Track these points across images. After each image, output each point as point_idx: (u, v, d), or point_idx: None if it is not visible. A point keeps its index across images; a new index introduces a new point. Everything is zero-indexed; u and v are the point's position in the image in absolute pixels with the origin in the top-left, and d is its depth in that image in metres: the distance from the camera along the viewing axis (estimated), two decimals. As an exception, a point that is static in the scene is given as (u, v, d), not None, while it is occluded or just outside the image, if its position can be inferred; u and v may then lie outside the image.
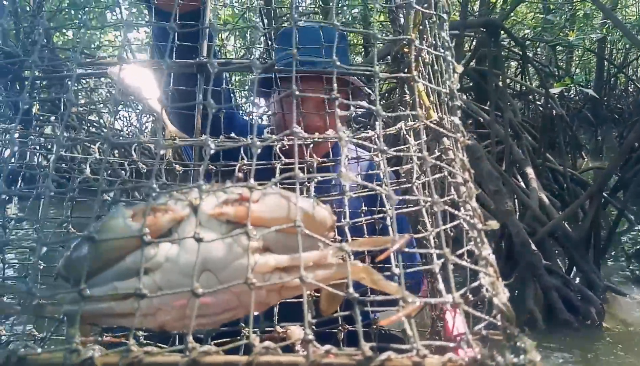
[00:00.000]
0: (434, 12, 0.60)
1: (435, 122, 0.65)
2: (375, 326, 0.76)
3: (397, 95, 1.05)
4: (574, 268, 3.96)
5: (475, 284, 0.47)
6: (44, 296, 0.42)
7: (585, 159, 7.75)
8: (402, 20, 0.91)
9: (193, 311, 0.43)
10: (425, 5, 0.61)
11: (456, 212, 0.48)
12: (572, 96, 9.36)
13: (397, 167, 0.75)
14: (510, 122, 5.10)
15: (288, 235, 0.46)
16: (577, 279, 3.82)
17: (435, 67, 0.71)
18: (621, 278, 4.27)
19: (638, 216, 5.73)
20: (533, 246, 3.61)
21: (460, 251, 0.50)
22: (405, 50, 0.87)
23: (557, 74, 7.27)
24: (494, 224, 0.47)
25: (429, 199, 0.46)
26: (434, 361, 0.40)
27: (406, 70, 0.82)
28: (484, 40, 5.03)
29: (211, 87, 0.85)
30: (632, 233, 5.38)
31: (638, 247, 4.86)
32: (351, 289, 0.41)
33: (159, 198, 0.46)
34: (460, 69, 0.55)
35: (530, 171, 4.73)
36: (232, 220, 0.45)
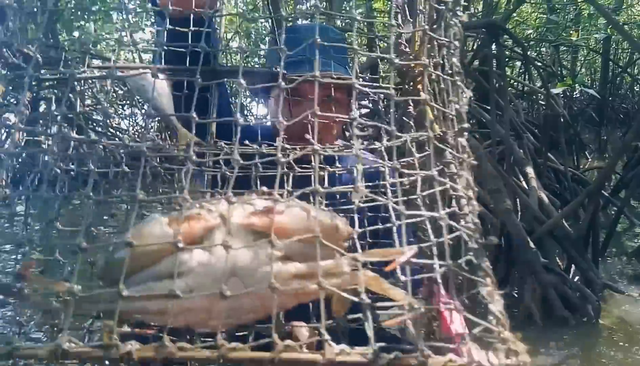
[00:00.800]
0: (449, 40, 0.64)
1: (439, 135, 0.70)
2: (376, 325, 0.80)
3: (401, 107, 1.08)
4: (573, 266, 4.02)
5: (474, 291, 0.52)
6: (83, 295, 0.47)
7: (589, 159, 7.78)
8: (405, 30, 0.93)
9: (220, 313, 0.48)
10: (439, 32, 0.65)
11: (457, 225, 0.53)
12: (577, 95, 9.34)
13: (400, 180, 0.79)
14: (512, 122, 5.16)
15: (307, 245, 0.51)
16: (576, 278, 3.88)
17: (442, 85, 0.75)
18: (621, 276, 4.33)
19: (639, 215, 5.79)
20: (531, 244, 3.66)
21: (460, 260, 0.54)
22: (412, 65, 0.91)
23: (560, 73, 7.30)
24: (494, 240, 0.51)
25: (436, 214, 0.51)
26: (437, 361, 0.45)
27: (411, 82, 0.86)
28: (486, 41, 5.07)
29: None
30: (632, 231, 5.42)
31: (637, 245, 4.90)
32: (363, 296, 0.46)
33: (192, 208, 0.50)
34: (469, 94, 0.60)
35: (530, 170, 4.77)
36: (258, 230, 0.50)
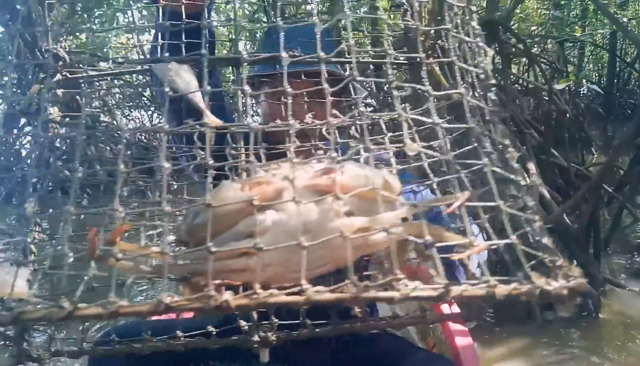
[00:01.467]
0: (464, 5, 0.69)
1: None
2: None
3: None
4: (575, 262, 4.05)
5: (522, 231, 0.56)
6: (176, 258, 0.51)
7: (595, 155, 7.72)
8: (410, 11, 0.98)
9: (297, 265, 0.52)
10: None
11: (505, 172, 0.57)
12: (585, 91, 9.29)
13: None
14: (514, 118, 5.22)
15: (365, 202, 0.56)
16: None
17: (458, 53, 0.79)
18: (623, 271, 4.33)
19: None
20: (531, 239, 3.69)
21: (508, 203, 0.58)
22: (422, 38, 0.95)
23: (565, 70, 7.34)
24: (535, 178, 0.56)
25: (486, 161, 0.56)
26: (502, 289, 0.49)
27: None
28: (486, 38, 5.10)
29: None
30: (636, 227, 5.38)
31: (639, 241, 4.93)
32: (428, 238, 0.51)
33: (258, 173, 0.55)
34: (491, 53, 0.65)
35: (532, 166, 4.79)
36: (321, 190, 0.55)
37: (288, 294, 0.49)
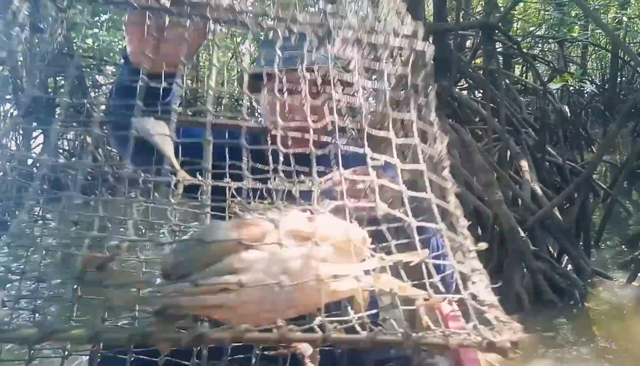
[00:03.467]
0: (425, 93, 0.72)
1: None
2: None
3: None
4: (565, 255, 4.25)
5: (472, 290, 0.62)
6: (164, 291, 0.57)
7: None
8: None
9: (273, 304, 0.58)
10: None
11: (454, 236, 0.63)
12: (588, 90, 9.29)
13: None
14: (511, 117, 5.33)
15: (339, 252, 0.63)
16: (569, 266, 4.13)
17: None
18: (613, 263, 4.62)
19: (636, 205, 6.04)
20: (521, 233, 3.85)
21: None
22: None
23: (564, 69, 7.33)
24: (482, 245, 0.63)
25: (434, 225, 0.62)
26: (456, 339, 0.55)
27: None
28: (483, 40, 5.25)
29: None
30: (629, 221, 5.67)
31: (631, 234, 5.17)
32: (398, 291, 0.57)
33: (247, 215, 0.62)
34: (446, 140, 0.69)
35: (524, 164, 4.96)
36: (303, 236, 0.61)
37: (262, 330, 0.55)
